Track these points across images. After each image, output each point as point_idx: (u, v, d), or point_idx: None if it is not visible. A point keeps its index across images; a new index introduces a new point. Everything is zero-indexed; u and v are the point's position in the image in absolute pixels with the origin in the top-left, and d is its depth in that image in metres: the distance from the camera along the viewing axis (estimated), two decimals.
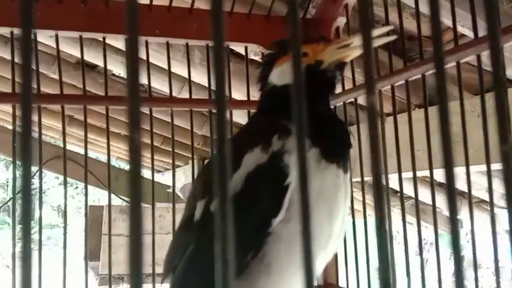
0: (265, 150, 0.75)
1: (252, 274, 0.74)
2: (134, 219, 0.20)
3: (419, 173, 0.94)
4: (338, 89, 1.14)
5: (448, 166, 0.26)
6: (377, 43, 0.83)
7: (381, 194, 0.24)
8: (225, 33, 0.25)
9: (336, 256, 1.16)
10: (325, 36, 0.96)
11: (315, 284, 0.25)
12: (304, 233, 0.24)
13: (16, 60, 1.02)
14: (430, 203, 1.95)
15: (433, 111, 0.98)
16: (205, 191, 0.79)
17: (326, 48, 0.83)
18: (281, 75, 0.85)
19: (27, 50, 0.23)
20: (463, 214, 0.92)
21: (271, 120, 0.80)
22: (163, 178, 4.14)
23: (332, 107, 1.06)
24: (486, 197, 2.51)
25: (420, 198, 0.95)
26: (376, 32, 0.82)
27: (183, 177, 3.43)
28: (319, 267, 0.83)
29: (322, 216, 0.76)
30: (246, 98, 1.16)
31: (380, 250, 0.24)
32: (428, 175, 0.91)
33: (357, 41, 0.81)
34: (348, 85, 1.11)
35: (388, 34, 0.85)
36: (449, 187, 0.27)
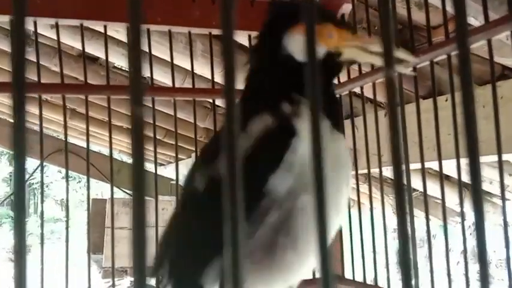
0: (273, 114, 0.74)
1: (279, 249, 0.73)
2: (138, 207, 0.19)
3: (416, 165, 0.93)
4: (343, 78, 1.13)
5: (473, 160, 0.24)
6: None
7: (400, 171, 0.22)
8: (234, 19, 0.24)
9: (341, 247, 1.15)
10: (351, 24, 0.93)
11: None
12: (319, 206, 0.23)
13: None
14: (433, 194, 1.94)
15: (439, 101, 0.97)
16: (206, 160, 0.79)
17: (351, 41, 0.80)
18: (304, 48, 0.81)
19: (20, 36, 0.22)
20: (467, 206, 0.91)
21: (282, 94, 0.78)
22: (166, 171, 4.15)
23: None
24: (490, 189, 2.50)
25: (422, 189, 0.94)
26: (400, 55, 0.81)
27: (185, 170, 3.42)
28: (334, 232, 0.84)
29: (341, 183, 0.77)
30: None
31: (400, 234, 0.23)
32: (432, 167, 0.89)
33: (378, 48, 0.79)
34: (353, 74, 1.09)
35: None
36: (473, 179, 0.25)
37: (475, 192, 0.22)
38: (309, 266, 0.77)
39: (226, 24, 0.24)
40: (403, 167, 0.23)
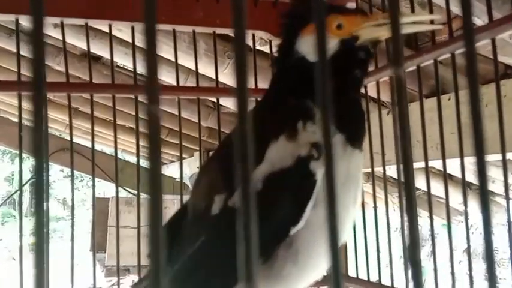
0: (290, 140, 0.71)
1: (278, 261, 0.72)
2: (155, 210, 0.19)
3: (420, 164, 0.93)
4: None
5: (480, 151, 0.24)
6: (414, 28, 0.77)
7: (409, 164, 0.23)
8: (246, 18, 0.24)
9: (345, 246, 1.15)
10: (362, 9, 0.90)
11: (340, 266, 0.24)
12: (330, 220, 0.23)
13: (21, 50, 1.01)
14: (436, 194, 1.94)
15: (443, 100, 0.97)
16: (223, 185, 0.74)
17: (363, 23, 0.76)
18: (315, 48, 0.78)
19: (39, 36, 0.22)
20: (471, 205, 0.91)
21: (295, 103, 0.75)
22: (168, 170, 4.15)
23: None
24: (493, 188, 2.50)
25: (425, 189, 0.94)
26: (415, 18, 0.78)
27: (188, 169, 3.43)
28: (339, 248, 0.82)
29: (349, 202, 0.75)
30: (253, 87, 1.15)
31: (411, 231, 0.23)
32: (435, 166, 0.89)
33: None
34: None
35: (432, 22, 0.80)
36: (481, 179, 0.26)
37: (483, 193, 0.23)
38: (308, 279, 0.76)
39: (238, 23, 0.24)
40: (413, 166, 0.24)
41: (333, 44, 0.75)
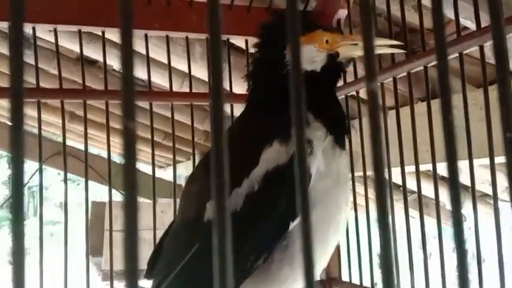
0: (284, 144, 0.73)
1: (275, 265, 0.73)
2: (129, 214, 0.20)
3: (421, 167, 0.93)
4: (339, 82, 1.14)
5: (452, 159, 0.25)
6: (379, 51, 0.86)
7: (381, 175, 0.23)
8: (222, 24, 0.25)
9: (338, 250, 1.16)
10: (340, 28, 1.01)
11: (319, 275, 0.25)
12: (304, 228, 0.23)
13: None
14: (433, 196, 1.95)
15: (436, 104, 0.98)
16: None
17: (341, 41, 0.85)
18: (307, 58, 0.83)
19: (18, 42, 0.23)
20: (466, 208, 0.92)
21: (281, 110, 0.77)
22: (166, 174, 4.15)
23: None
24: (489, 191, 2.50)
25: (423, 192, 0.95)
26: (381, 42, 0.87)
27: (185, 172, 3.43)
28: (332, 250, 0.83)
29: (341, 201, 0.78)
30: (246, 92, 1.15)
31: (382, 239, 0.23)
32: (431, 169, 0.90)
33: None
34: (350, 78, 1.10)
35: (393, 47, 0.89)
36: (452, 181, 0.26)
37: (453, 192, 0.23)
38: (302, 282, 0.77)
39: (213, 30, 0.24)
40: (386, 172, 0.24)
41: (322, 57, 0.84)
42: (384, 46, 0.86)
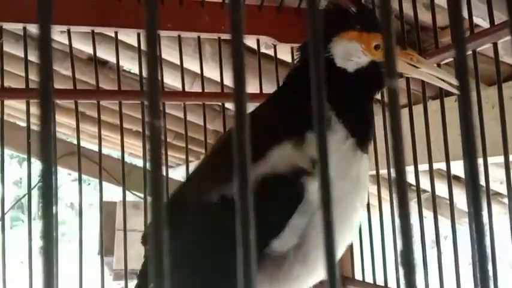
0: (296, 149, 0.71)
1: (288, 261, 0.73)
2: (156, 212, 0.20)
3: (434, 166, 0.93)
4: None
5: (471, 158, 0.25)
6: (428, 79, 0.82)
7: (403, 175, 0.23)
8: (243, 24, 0.25)
9: (351, 249, 1.16)
10: (403, 43, 0.94)
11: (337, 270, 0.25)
12: (326, 227, 0.23)
13: (29, 56, 1.02)
14: (445, 196, 1.94)
15: (449, 102, 0.97)
16: (222, 175, 0.73)
17: (397, 55, 0.78)
18: (346, 54, 0.78)
19: (46, 44, 0.23)
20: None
21: (302, 106, 0.75)
22: (175, 173, 4.16)
23: None
24: (501, 189, 2.48)
25: (435, 191, 0.94)
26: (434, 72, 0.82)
27: None
28: (344, 249, 0.83)
29: (357, 204, 0.76)
30: (258, 92, 1.16)
31: (403, 235, 0.24)
32: (442, 167, 0.90)
33: (425, 68, 0.80)
34: None
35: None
36: (472, 179, 0.26)
37: (474, 197, 0.23)
38: (316, 278, 0.77)
39: (235, 28, 0.25)
40: (405, 170, 0.24)
41: (363, 60, 0.78)
42: (434, 76, 0.82)
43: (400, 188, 0.24)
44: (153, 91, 0.20)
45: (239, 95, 0.24)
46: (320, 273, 0.75)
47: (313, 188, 0.70)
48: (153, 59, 0.21)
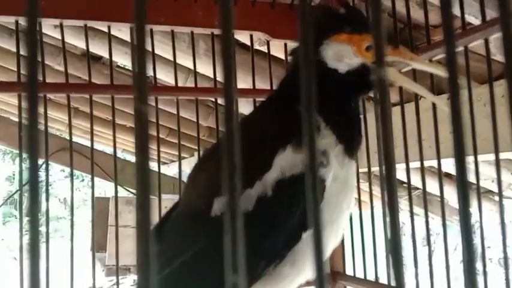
0: (298, 150, 0.72)
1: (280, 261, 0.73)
2: (142, 205, 0.20)
3: (425, 163, 0.93)
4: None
5: (460, 156, 0.25)
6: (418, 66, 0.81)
7: (391, 164, 0.23)
8: (233, 19, 0.25)
9: (342, 245, 1.16)
10: (396, 41, 0.90)
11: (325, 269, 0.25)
12: (316, 232, 0.24)
13: (21, 50, 1.02)
14: (437, 193, 1.95)
15: (443, 99, 0.97)
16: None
17: (389, 56, 0.77)
18: (337, 57, 0.77)
19: (33, 36, 0.23)
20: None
21: (293, 111, 0.76)
22: (169, 170, 4.16)
23: None
24: (492, 187, 2.50)
25: (427, 189, 0.95)
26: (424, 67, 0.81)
27: (188, 169, 3.44)
28: (328, 254, 0.83)
29: (344, 207, 0.77)
30: (251, 87, 1.16)
31: (392, 229, 0.24)
32: (434, 165, 0.90)
33: (418, 64, 0.79)
34: None
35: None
36: (460, 176, 0.26)
37: (462, 187, 0.23)
38: (303, 277, 0.77)
39: (225, 24, 0.25)
40: (395, 165, 0.24)
41: (354, 62, 0.77)
42: (423, 64, 0.82)
43: (389, 172, 0.24)
44: (140, 74, 0.20)
45: (228, 87, 0.24)
46: (307, 273, 0.75)
47: (329, 177, 0.72)
48: (141, 44, 0.21)
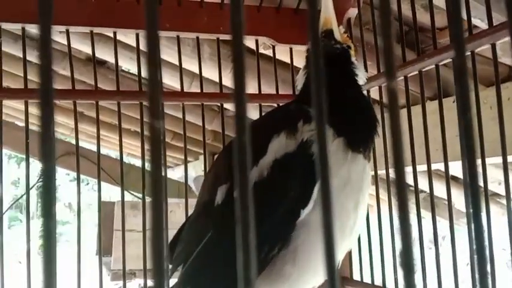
0: (291, 136, 0.73)
1: (278, 260, 0.73)
2: (155, 212, 0.20)
3: (432, 166, 0.93)
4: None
5: (471, 157, 0.25)
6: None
7: (402, 177, 0.23)
8: (244, 24, 0.25)
9: (350, 250, 1.16)
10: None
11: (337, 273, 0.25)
12: (325, 223, 0.24)
13: (28, 56, 1.02)
14: (443, 196, 1.94)
15: (447, 102, 0.97)
16: (226, 177, 0.76)
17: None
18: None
19: (47, 46, 0.23)
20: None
21: (294, 107, 0.79)
22: (174, 173, 4.16)
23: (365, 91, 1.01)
24: (498, 190, 2.48)
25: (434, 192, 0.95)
26: None
27: (193, 172, 3.44)
28: (341, 255, 0.82)
29: (349, 206, 0.75)
30: (257, 92, 1.16)
31: (403, 235, 0.24)
32: (441, 168, 0.90)
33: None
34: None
35: None
36: (471, 178, 0.26)
37: (474, 197, 0.23)
38: (308, 281, 0.76)
39: (235, 29, 0.25)
40: (404, 170, 0.24)
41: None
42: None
43: (400, 191, 0.24)
44: (153, 93, 0.20)
45: (239, 97, 0.24)
46: (317, 275, 0.75)
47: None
48: (153, 60, 0.21)
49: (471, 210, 0.26)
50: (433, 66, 0.91)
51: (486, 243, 0.27)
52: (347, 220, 0.76)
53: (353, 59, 0.83)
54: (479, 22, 1.32)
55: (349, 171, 0.75)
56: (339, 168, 0.72)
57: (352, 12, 1.11)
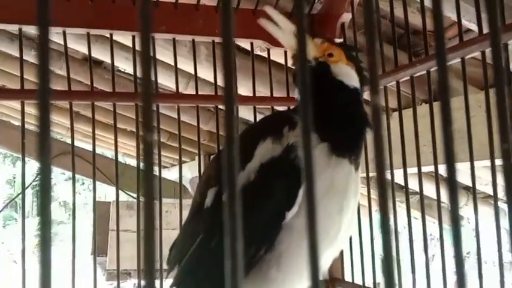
0: (277, 141, 0.75)
1: (263, 264, 0.74)
2: (147, 217, 0.21)
3: (424, 168, 0.94)
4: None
5: (450, 163, 0.26)
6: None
7: (384, 190, 0.25)
8: (234, 28, 0.26)
9: (341, 251, 1.17)
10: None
11: (321, 277, 0.26)
12: (310, 227, 0.25)
13: (24, 56, 1.03)
14: (435, 197, 1.95)
15: (438, 106, 0.99)
16: (216, 180, 0.79)
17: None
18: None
19: (45, 46, 0.24)
20: (469, 209, 0.92)
21: (284, 114, 0.82)
22: (170, 174, 4.17)
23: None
24: (491, 192, 2.49)
25: (426, 193, 0.96)
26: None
27: (189, 173, 3.45)
28: (327, 261, 0.82)
29: (333, 210, 0.76)
30: (251, 94, 1.17)
31: (384, 243, 0.25)
32: (434, 170, 0.91)
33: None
34: None
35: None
36: (450, 182, 0.27)
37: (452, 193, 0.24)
38: (294, 284, 0.77)
39: (226, 33, 0.26)
40: (388, 177, 0.26)
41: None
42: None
43: (382, 207, 0.25)
44: (147, 105, 0.21)
45: (229, 105, 0.26)
46: (302, 279, 0.75)
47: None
48: (146, 66, 0.22)
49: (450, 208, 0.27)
50: (424, 72, 0.92)
51: (463, 245, 0.28)
52: (332, 223, 0.76)
53: (334, 67, 0.83)
54: (474, 26, 1.34)
55: (332, 175, 0.75)
56: (321, 172, 0.72)
57: (346, 17, 1.13)
